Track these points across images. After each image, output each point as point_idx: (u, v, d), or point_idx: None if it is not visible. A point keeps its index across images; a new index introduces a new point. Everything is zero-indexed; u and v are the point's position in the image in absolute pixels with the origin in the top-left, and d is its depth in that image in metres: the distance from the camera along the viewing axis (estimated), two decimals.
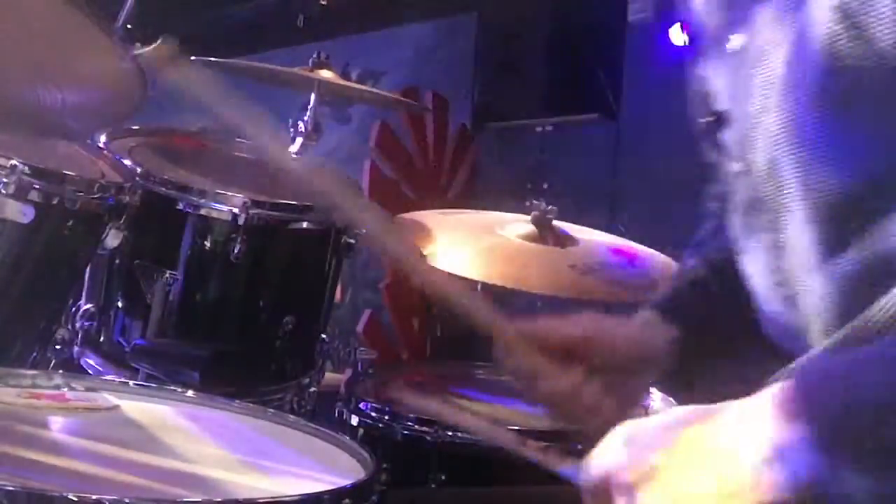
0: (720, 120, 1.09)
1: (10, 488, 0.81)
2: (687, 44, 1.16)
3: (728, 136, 1.08)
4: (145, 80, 1.22)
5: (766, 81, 0.97)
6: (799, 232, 0.96)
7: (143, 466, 1.03)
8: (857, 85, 0.86)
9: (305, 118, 2.18)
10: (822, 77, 0.88)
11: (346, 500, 0.95)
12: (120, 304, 1.76)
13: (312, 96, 2.23)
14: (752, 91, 0.99)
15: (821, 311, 0.95)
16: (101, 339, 1.75)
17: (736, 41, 1.03)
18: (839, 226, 0.91)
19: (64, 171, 1.48)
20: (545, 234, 1.94)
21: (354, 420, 1.64)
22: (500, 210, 2.12)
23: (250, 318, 1.79)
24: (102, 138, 1.75)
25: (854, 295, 0.90)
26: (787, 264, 1.00)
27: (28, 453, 1.01)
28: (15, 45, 1.20)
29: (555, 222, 1.96)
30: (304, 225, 1.81)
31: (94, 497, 0.83)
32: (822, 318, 0.95)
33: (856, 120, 0.88)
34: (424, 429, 1.56)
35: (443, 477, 1.54)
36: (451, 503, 1.42)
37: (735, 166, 1.07)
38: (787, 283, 1.01)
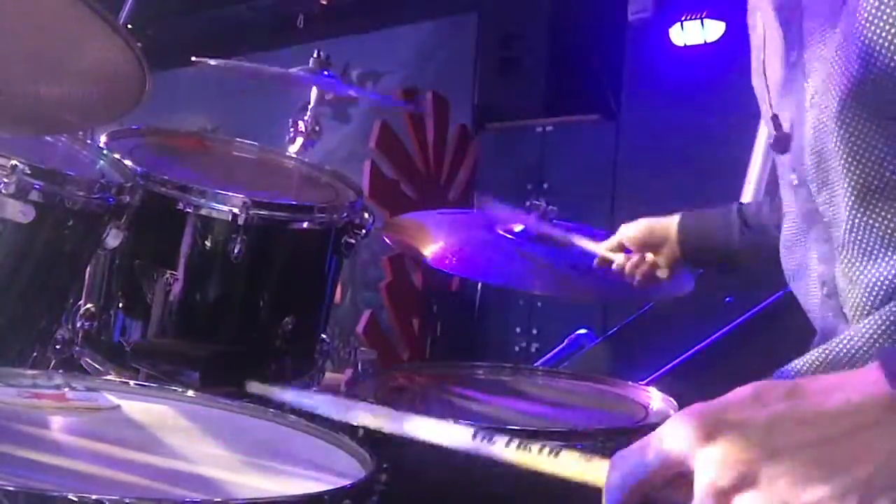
0: (781, 136, 1.12)
1: (10, 488, 0.81)
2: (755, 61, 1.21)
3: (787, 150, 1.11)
4: (146, 74, 1.22)
5: (815, 91, 1.00)
6: (845, 246, 1.00)
7: (143, 466, 1.03)
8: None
9: (305, 118, 2.18)
10: (863, 80, 0.92)
11: (346, 501, 0.94)
12: (120, 304, 1.76)
13: (312, 96, 2.23)
14: (805, 103, 1.02)
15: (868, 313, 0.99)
16: (102, 339, 1.75)
17: (791, 57, 1.07)
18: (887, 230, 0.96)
19: (64, 171, 1.48)
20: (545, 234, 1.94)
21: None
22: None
23: (250, 318, 1.79)
24: (103, 138, 1.75)
25: None
26: (837, 275, 1.04)
27: (28, 453, 1.01)
28: (15, 39, 1.20)
29: (555, 222, 1.96)
30: (304, 225, 1.81)
31: (94, 497, 0.83)
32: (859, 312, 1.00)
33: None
34: None
35: (443, 477, 1.54)
36: (450, 502, 1.42)
37: (792, 178, 1.09)
38: (835, 294, 1.04)
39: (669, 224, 1.83)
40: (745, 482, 0.63)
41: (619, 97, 4.45)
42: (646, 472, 0.67)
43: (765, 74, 1.16)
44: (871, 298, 0.99)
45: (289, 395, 1.17)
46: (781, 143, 1.12)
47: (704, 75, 4.04)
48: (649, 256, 1.84)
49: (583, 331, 3.58)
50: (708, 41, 4.09)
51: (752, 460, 0.63)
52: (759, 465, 0.63)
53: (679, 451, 0.66)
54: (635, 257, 1.84)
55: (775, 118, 1.13)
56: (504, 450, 0.77)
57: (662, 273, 1.84)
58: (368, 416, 0.95)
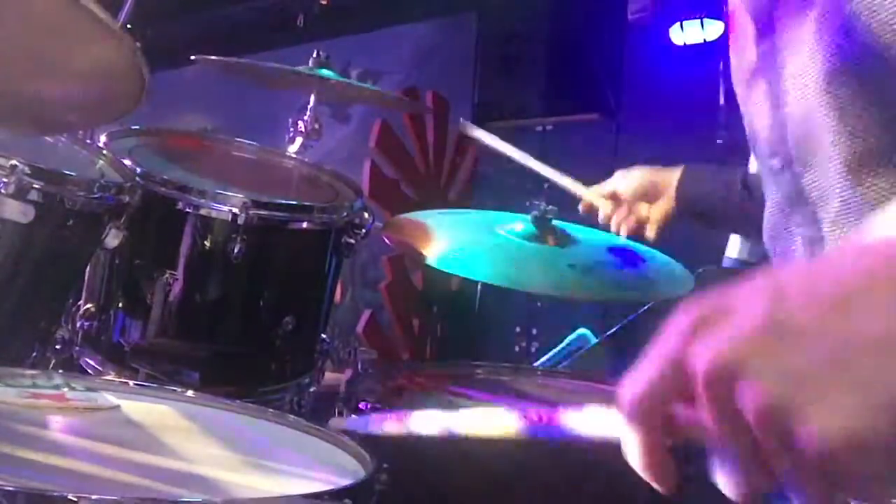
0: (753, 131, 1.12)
1: (10, 488, 0.81)
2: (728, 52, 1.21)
3: (765, 135, 1.12)
4: (146, 75, 1.22)
5: (794, 73, 1.00)
6: (836, 223, 0.99)
7: (143, 466, 1.03)
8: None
9: (305, 118, 2.18)
10: (843, 57, 0.93)
11: (346, 500, 0.94)
12: (120, 304, 1.76)
13: (312, 96, 2.23)
14: (781, 84, 1.03)
15: None
16: (101, 339, 1.75)
17: (763, 46, 1.07)
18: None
19: (64, 171, 1.48)
20: (545, 234, 1.94)
21: None
22: (500, 210, 2.12)
23: (250, 318, 1.79)
24: (102, 138, 1.75)
25: None
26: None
27: (28, 453, 1.01)
28: (15, 38, 1.20)
29: (555, 222, 1.96)
30: (304, 225, 1.81)
31: (94, 497, 0.83)
32: None
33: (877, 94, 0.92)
34: None
35: (443, 477, 1.54)
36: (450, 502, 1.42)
37: (774, 163, 1.10)
38: None
39: (669, 176, 1.81)
40: (739, 367, 0.54)
41: (619, 97, 4.45)
42: (654, 386, 0.59)
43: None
44: None
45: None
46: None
47: (704, 75, 4.04)
48: (642, 209, 1.82)
49: (583, 331, 3.58)
50: (708, 41, 4.09)
51: (753, 341, 0.54)
52: (760, 340, 0.54)
53: (675, 342, 0.57)
54: (624, 208, 1.82)
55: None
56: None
57: (651, 231, 1.83)
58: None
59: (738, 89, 1.20)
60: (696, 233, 2.03)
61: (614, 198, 1.85)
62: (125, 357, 1.71)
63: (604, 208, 1.84)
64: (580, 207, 1.89)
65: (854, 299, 0.54)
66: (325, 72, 2.20)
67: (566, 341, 3.59)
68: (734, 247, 2.62)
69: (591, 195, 1.88)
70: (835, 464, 0.52)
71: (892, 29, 0.89)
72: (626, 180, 1.84)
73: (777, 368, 0.53)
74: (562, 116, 4.62)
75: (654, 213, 1.82)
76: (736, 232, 1.71)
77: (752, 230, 1.65)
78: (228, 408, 1.30)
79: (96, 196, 1.51)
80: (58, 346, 1.63)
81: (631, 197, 1.82)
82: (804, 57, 1.00)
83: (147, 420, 1.21)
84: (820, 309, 0.54)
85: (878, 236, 0.62)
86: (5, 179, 1.36)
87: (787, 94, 1.05)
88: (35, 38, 1.21)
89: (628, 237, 1.83)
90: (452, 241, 1.98)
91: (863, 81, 0.95)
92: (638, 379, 0.61)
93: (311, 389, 1.86)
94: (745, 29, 1.14)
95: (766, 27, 1.08)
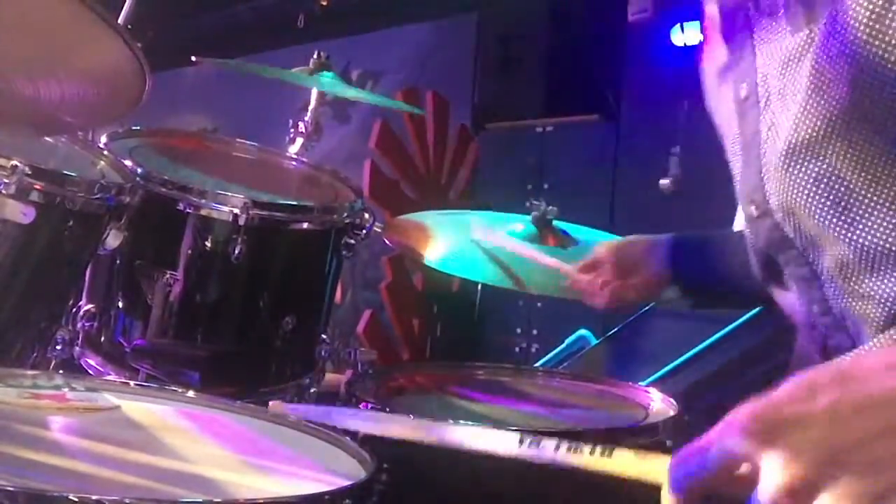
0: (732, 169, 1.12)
1: (10, 488, 0.81)
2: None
3: (742, 180, 1.11)
4: (146, 75, 1.22)
5: (771, 124, 1.00)
6: (833, 260, 1.00)
7: (143, 467, 1.03)
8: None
9: (305, 118, 2.18)
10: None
11: (346, 500, 0.94)
12: (120, 305, 1.76)
13: (312, 96, 2.23)
14: (762, 134, 1.02)
15: (876, 321, 0.99)
16: (102, 339, 1.75)
17: (742, 91, 1.07)
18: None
19: (64, 172, 1.48)
20: (545, 234, 1.94)
21: None
22: (500, 210, 2.12)
23: (250, 318, 1.79)
24: (103, 138, 1.75)
25: None
26: (827, 293, 1.04)
27: (28, 453, 1.01)
28: (15, 39, 1.20)
29: (555, 222, 1.96)
30: (304, 225, 1.81)
31: (94, 497, 0.83)
32: (875, 326, 0.99)
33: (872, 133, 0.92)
34: None
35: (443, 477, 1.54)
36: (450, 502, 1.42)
37: (752, 210, 1.09)
38: (832, 311, 1.03)
39: (652, 243, 1.68)
40: (815, 482, 0.63)
41: (619, 97, 4.45)
42: (706, 475, 0.67)
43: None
44: (887, 312, 0.99)
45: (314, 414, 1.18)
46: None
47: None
48: (621, 279, 1.68)
49: (583, 331, 3.58)
50: None
51: (818, 460, 0.63)
52: (826, 463, 0.63)
53: (741, 453, 0.66)
54: (602, 279, 1.68)
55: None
56: (554, 454, 0.77)
57: (628, 302, 1.71)
58: (407, 429, 0.95)
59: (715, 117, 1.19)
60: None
61: (594, 267, 1.72)
62: (125, 357, 1.71)
63: (582, 281, 1.71)
64: (566, 286, 1.76)
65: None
66: (325, 72, 2.20)
67: (566, 342, 3.59)
68: None
69: (571, 270, 1.75)
70: None
71: None
72: (606, 248, 1.73)
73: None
74: (562, 117, 4.61)
75: (633, 287, 1.69)
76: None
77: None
78: (228, 408, 1.30)
79: (97, 197, 1.51)
80: (58, 347, 1.63)
81: (610, 267, 1.70)
82: (796, 107, 0.98)
83: (147, 420, 1.21)
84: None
85: None
86: (6, 180, 1.36)
87: (764, 144, 1.04)
88: (35, 38, 1.21)
89: (607, 308, 1.71)
90: (452, 241, 1.98)
91: (853, 140, 0.94)
92: (693, 462, 0.68)
93: (312, 390, 1.87)
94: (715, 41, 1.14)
95: (749, 72, 1.07)
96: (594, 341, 3.46)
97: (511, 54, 4.67)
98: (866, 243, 0.96)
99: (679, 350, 2.75)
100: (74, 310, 1.72)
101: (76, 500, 0.81)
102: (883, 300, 0.97)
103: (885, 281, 0.97)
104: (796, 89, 0.97)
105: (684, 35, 4.16)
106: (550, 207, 1.96)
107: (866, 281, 0.98)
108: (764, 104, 1.04)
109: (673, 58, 4.14)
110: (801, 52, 0.97)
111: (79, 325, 1.72)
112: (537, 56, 4.55)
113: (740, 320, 2.75)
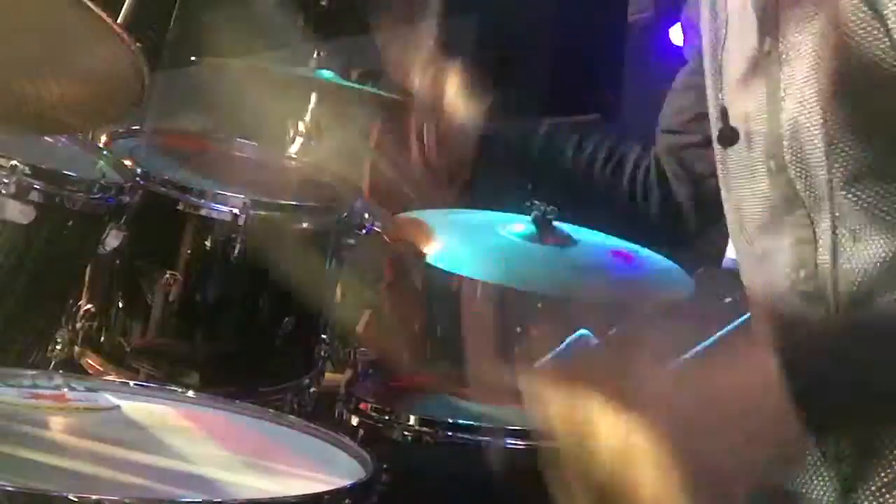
0: (726, 130, 1.12)
1: (10, 488, 0.81)
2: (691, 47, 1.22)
3: (757, 138, 1.11)
4: (146, 75, 1.22)
5: (792, 80, 1.02)
6: (832, 224, 1.02)
7: (143, 467, 1.04)
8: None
9: (305, 118, 2.18)
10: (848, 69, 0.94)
11: (346, 500, 0.95)
12: (120, 305, 1.76)
13: (312, 96, 2.23)
14: (779, 92, 1.03)
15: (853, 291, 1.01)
16: (102, 339, 1.75)
17: (764, 46, 1.07)
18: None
19: (64, 172, 1.48)
20: (545, 234, 1.94)
21: (354, 420, 1.63)
22: (500, 210, 2.12)
23: (250, 318, 1.79)
24: (103, 138, 1.75)
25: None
26: (820, 258, 1.05)
27: (28, 453, 1.01)
28: (16, 39, 1.20)
29: (555, 223, 1.96)
30: (304, 225, 1.81)
31: (94, 497, 0.83)
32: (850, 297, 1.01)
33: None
34: (424, 429, 1.56)
35: (443, 477, 1.54)
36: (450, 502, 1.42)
37: (771, 165, 1.10)
38: (817, 275, 1.05)
39: None
40: None
41: (619, 97, 4.45)
42: None
43: (720, 64, 1.16)
44: (867, 278, 1.00)
45: None
46: (727, 137, 1.12)
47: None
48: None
49: (583, 331, 3.58)
50: None
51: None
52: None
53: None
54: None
55: (724, 111, 1.13)
56: None
57: None
58: None
59: (715, 82, 1.19)
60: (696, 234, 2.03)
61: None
62: (125, 357, 1.71)
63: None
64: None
65: None
66: (325, 72, 2.20)
67: (566, 342, 3.59)
68: (734, 248, 2.61)
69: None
70: None
71: None
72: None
73: None
74: (562, 117, 4.61)
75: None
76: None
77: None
78: (228, 408, 1.30)
79: (97, 196, 1.51)
80: (58, 347, 1.63)
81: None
82: (807, 67, 1.00)
83: (147, 420, 1.21)
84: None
85: None
86: (6, 180, 1.36)
87: (783, 101, 1.05)
88: (35, 38, 1.21)
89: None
90: (452, 241, 1.98)
91: (859, 103, 0.96)
92: None
93: (311, 390, 1.86)
94: (740, 22, 1.14)
95: (771, 25, 1.08)
96: (594, 341, 3.45)
97: (511, 54, 4.67)
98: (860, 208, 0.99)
99: (679, 350, 2.75)
100: (74, 310, 1.72)
101: (76, 500, 0.82)
102: (863, 267, 1.01)
103: (867, 247, 1.00)
104: (806, 43, 0.99)
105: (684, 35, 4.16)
106: (550, 208, 1.96)
107: (848, 246, 1.01)
108: (784, 59, 1.05)
109: (673, 57, 4.14)
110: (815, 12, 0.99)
111: (79, 324, 1.72)
112: (537, 56, 4.55)
113: (740, 320, 2.74)
